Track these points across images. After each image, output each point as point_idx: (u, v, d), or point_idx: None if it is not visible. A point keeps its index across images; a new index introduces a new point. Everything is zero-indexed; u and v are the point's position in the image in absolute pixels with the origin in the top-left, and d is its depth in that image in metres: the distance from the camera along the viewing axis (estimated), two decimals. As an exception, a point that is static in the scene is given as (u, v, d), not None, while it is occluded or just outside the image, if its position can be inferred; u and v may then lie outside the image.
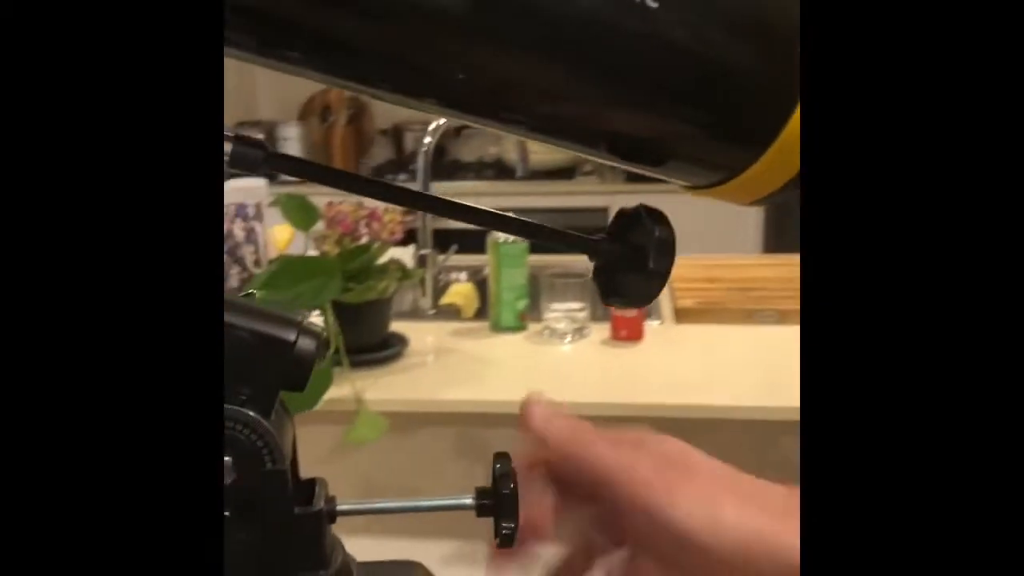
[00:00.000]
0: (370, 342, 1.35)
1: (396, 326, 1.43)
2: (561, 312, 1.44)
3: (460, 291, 1.64)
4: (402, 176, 3.00)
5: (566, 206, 2.90)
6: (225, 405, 0.43)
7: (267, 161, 0.40)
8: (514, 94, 0.39)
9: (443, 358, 1.40)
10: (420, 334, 1.46)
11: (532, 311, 1.50)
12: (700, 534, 0.39)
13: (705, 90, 0.43)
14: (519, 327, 1.49)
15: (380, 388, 1.27)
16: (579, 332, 1.45)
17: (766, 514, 0.39)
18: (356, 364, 1.29)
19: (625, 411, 1.24)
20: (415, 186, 1.59)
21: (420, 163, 1.53)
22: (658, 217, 0.47)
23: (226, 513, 0.43)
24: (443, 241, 1.68)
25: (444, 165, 3.19)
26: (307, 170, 0.42)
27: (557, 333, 1.45)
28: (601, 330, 1.46)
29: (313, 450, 1.43)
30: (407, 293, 1.63)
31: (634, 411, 1.23)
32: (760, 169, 0.45)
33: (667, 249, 0.46)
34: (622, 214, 0.48)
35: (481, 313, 1.59)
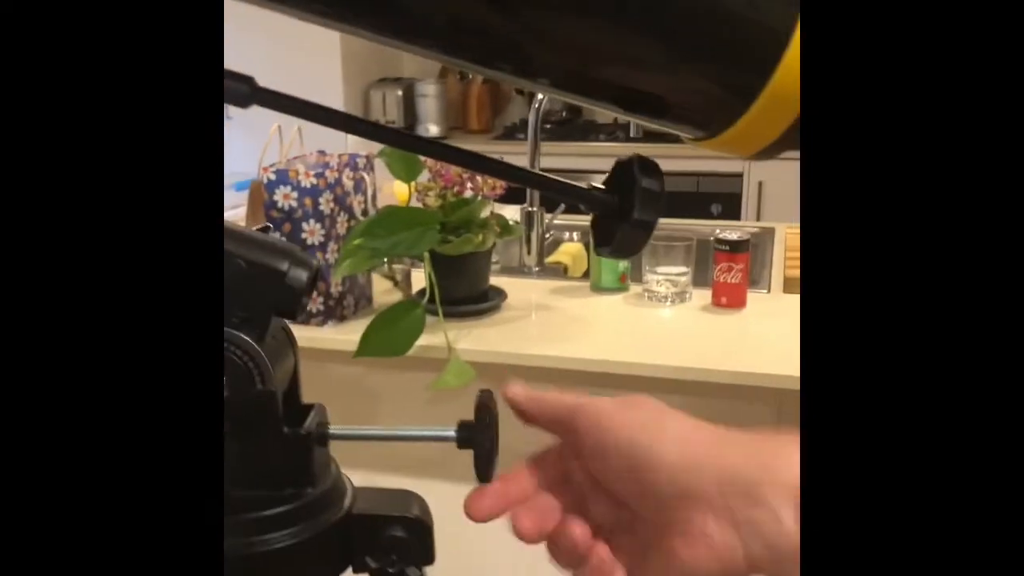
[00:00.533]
0: (467, 294, 1.37)
1: (498, 281, 1.45)
2: (662, 275, 1.43)
3: (568, 250, 1.65)
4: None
5: (692, 170, 2.82)
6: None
7: (254, 96, 0.42)
8: (542, 49, 0.40)
9: (540, 314, 1.41)
10: (521, 290, 1.48)
11: (634, 273, 1.48)
12: (641, 444, 0.42)
13: (703, 38, 0.42)
14: (620, 288, 1.48)
15: (473, 339, 1.30)
16: (680, 296, 1.43)
17: (707, 434, 0.42)
18: (452, 315, 1.32)
19: (720, 378, 1.21)
20: (526, 144, 1.60)
21: (531, 120, 1.54)
22: (649, 168, 0.46)
23: (220, 427, 0.47)
24: (553, 200, 1.69)
25: (579, 125, 3.17)
26: (295, 107, 0.44)
27: (657, 296, 1.43)
28: (703, 296, 1.43)
29: (405, 396, 1.49)
30: (513, 250, 1.65)
31: (728, 378, 1.20)
32: (755, 116, 0.43)
33: (652, 200, 0.45)
34: (618, 164, 0.48)
35: (588, 274, 1.58)
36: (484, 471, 0.47)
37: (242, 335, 0.46)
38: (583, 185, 0.48)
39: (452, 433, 0.48)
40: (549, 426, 0.47)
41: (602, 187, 0.48)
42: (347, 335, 1.27)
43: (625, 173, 0.46)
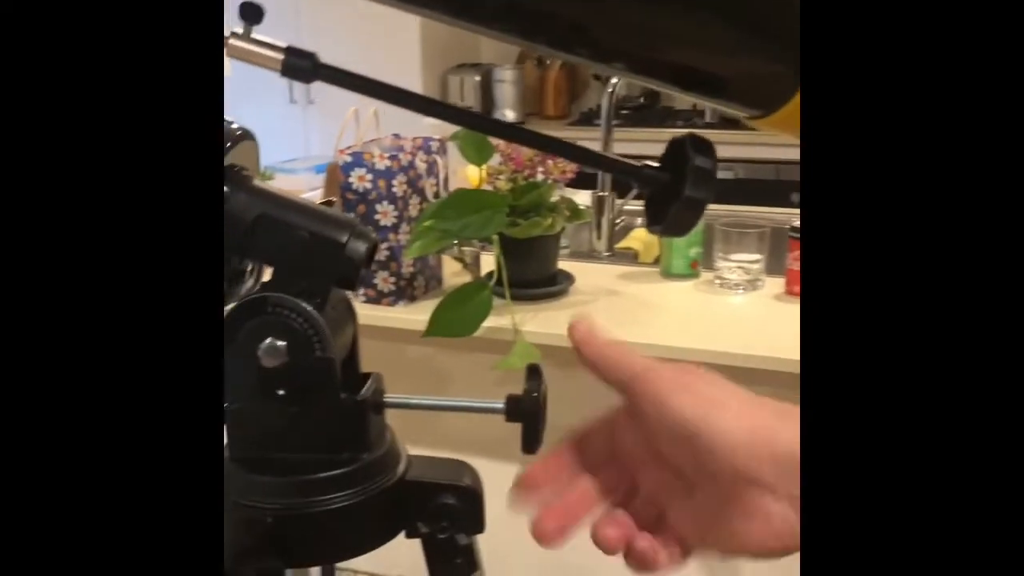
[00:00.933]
0: (535, 277, 1.38)
1: (567, 265, 1.45)
2: (734, 263, 1.41)
3: (639, 236, 1.64)
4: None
5: (771, 157, 2.76)
6: (281, 295, 0.48)
7: (316, 71, 0.44)
8: (613, 30, 0.41)
9: (608, 299, 1.41)
10: (589, 275, 1.48)
11: (705, 260, 1.47)
12: (701, 418, 0.41)
13: (764, 17, 0.42)
14: (690, 275, 1.46)
15: (539, 322, 1.30)
16: (752, 284, 1.41)
17: (766, 411, 0.41)
18: (519, 297, 1.33)
19: (791, 367, 1.20)
20: (600, 127, 1.59)
21: (604, 103, 1.54)
22: (702, 146, 0.46)
23: (279, 392, 0.49)
24: (627, 186, 1.68)
25: (656, 111, 3.14)
26: (357, 83, 0.46)
27: (729, 283, 1.42)
28: (776, 284, 1.41)
29: (473, 376, 1.50)
30: (583, 235, 1.65)
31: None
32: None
33: (704, 178, 0.45)
34: (672, 143, 0.48)
35: (659, 261, 1.57)
36: (530, 444, 0.48)
37: (303, 303, 0.48)
38: (635, 163, 0.48)
39: (500, 406, 0.49)
40: (607, 379, 0.46)
41: (655, 165, 0.48)
42: (417, 315, 1.29)
43: (678, 151, 0.47)
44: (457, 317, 1.25)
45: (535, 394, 0.48)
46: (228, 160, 0.48)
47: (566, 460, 0.47)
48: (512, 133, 0.47)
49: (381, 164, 1.29)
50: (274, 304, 0.48)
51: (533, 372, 0.49)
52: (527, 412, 0.48)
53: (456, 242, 1.37)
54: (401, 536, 0.53)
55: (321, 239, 0.48)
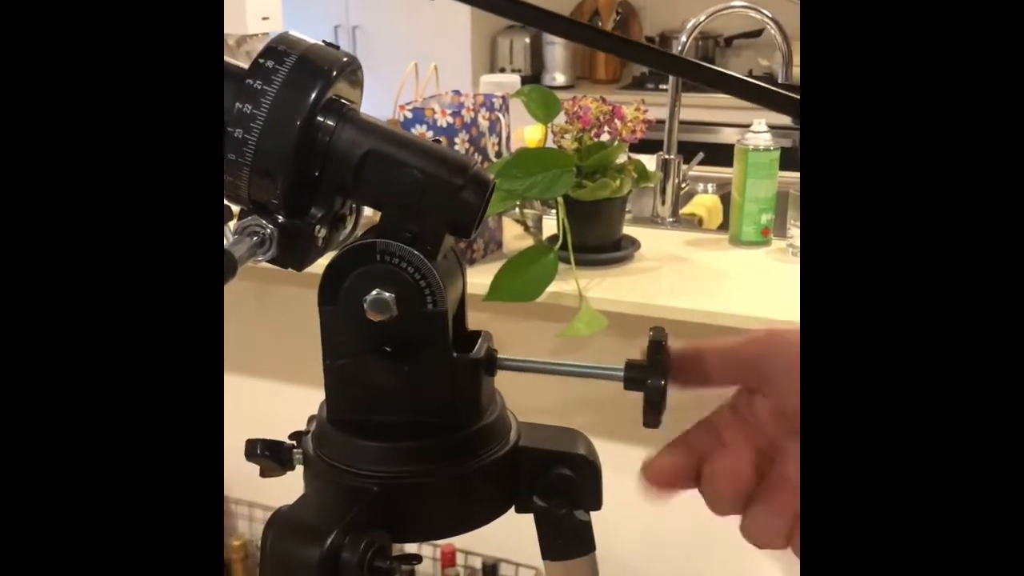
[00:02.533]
0: (601, 242, 1.34)
1: (631, 231, 1.41)
2: (808, 230, 1.35)
3: (703, 202, 1.59)
4: (664, 85, 2.92)
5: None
6: (390, 241, 0.43)
7: None
8: None
9: (675, 266, 1.36)
10: (655, 241, 1.43)
11: (777, 228, 1.41)
12: None
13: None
14: (761, 242, 1.41)
15: (605, 288, 1.26)
16: (826, 254, 1.35)
17: None
18: (584, 263, 1.29)
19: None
20: (654, 94, 1.53)
21: (672, 63, 1.48)
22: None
23: (386, 349, 0.44)
24: (690, 152, 1.62)
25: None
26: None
27: (802, 252, 1.36)
28: (852, 254, 1.35)
29: (532, 344, 1.46)
30: (647, 200, 1.60)
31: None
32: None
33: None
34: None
35: (724, 227, 1.52)
36: (652, 416, 0.43)
37: (414, 251, 0.43)
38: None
39: (620, 371, 0.44)
40: (732, 377, 0.43)
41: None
42: (477, 279, 1.25)
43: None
44: (520, 281, 1.20)
45: (660, 358, 0.43)
46: (333, 92, 0.43)
47: (695, 444, 0.43)
48: (681, 65, 0.42)
49: (443, 120, 1.24)
50: (382, 251, 0.43)
51: (656, 338, 0.44)
52: (651, 380, 0.43)
53: (518, 204, 1.32)
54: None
55: (436, 180, 0.43)
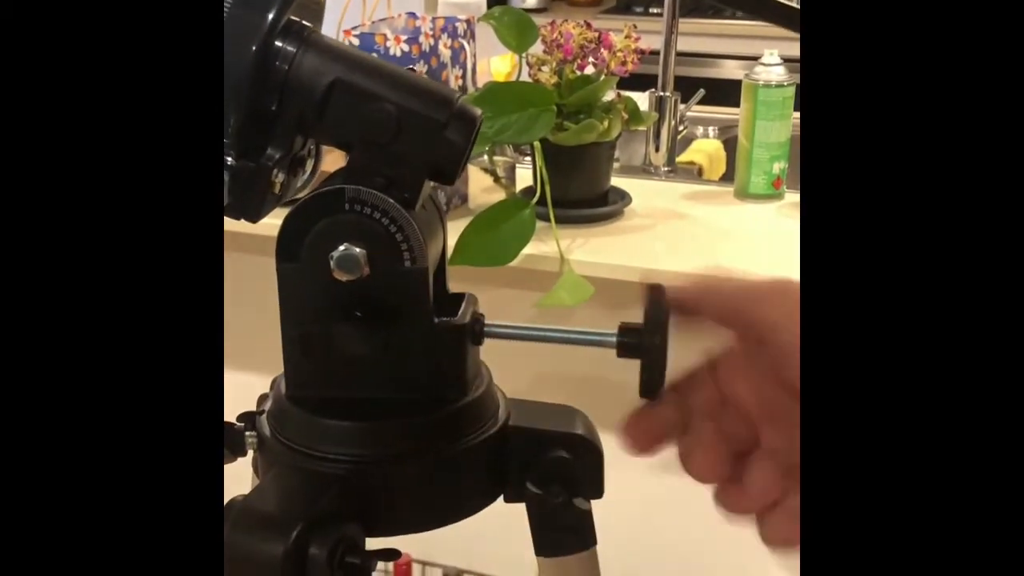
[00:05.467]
0: (585, 195, 1.35)
1: (619, 182, 1.42)
2: (827, 181, 1.38)
3: (703, 148, 1.61)
4: (656, 8, 2.93)
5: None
6: (360, 187, 0.45)
7: None
8: None
9: (671, 223, 1.38)
10: (647, 194, 1.45)
11: (790, 178, 1.44)
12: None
13: None
14: (772, 195, 1.43)
15: (590, 250, 1.27)
16: (848, 209, 1.38)
17: None
18: (565, 219, 1.30)
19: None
20: (647, 19, 1.55)
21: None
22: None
23: (356, 314, 0.46)
24: (688, 88, 1.64)
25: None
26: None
27: (819, 207, 1.39)
28: (877, 209, 1.38)
29: (506, 315, 1.48)
30: (638, 146, 1.61)
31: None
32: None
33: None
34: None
35: (728, 178, 1.54)
36: (651, 385, 0.44)
37: (389, 199, 0.45)
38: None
39: (613, 337, 0.46)
40: (721, 318, 0.45)
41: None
42: (439, 239, 1.26)
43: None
44: (491, 242, 1.21)
45: (659, 321, 0.44)
46: (292, 14, 0.44)
47: (669, 410, 0.45)
48: None
49: (396, 49, 1.25)
50: (352, 199, 0.45)
51: (655, 293, 0.45)
52: (648, 344, 0.44)
53: (487, 150, 1.33)
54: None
55: (414, 116, 0.45)
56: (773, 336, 0.43)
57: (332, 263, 0.45)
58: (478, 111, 0.46)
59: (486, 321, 0.49)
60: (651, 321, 0.44)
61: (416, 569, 1.66)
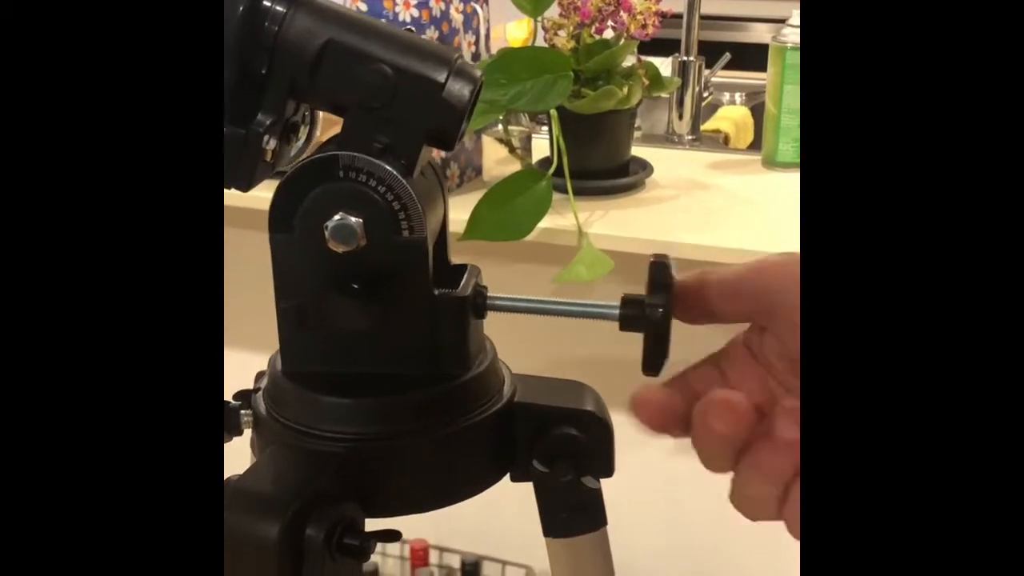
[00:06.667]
0: (604, 166, 1.34)
1: (640, 152, 1.42)
2: (859, 149, 1.37)
3: (730, 115, 1.60)
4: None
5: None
6: (356, 154, 0.44)
7: None
8: None
9: (696, 195, 1.38)
10: (670, 163, 1.44)
11: (820, 145, 1.43)
12: None
13: None
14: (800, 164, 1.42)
15: (609, 222, 1.27)
16: (881, 177, 1.37)
17: None
18: (583, 191, 1.30)
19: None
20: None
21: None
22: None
23: (353, 286, 0.46)
24: (713, 53, 1.62)
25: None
26: None
27: (851, 176, 1.38)
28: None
29: (522, 291, 1.48)
30: (661, 113, 1.61)
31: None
32: None
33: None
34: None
35: (756, 146, 1.54)
36: (654, 359, 0.44)
37: (385, 165, 0.44)
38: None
39: (616, 309, 0.45)
40: (739, 311, 0.45)
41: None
42: (452, 213, 1.25)
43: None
44: (506, 216, 1.21)
45: (663, 293, 0.44)
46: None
47: (695, 382, 0.45)
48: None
49: (405, 14, 1.25)
50: (346, 166, 0.45)
51: (659, 267, 0.45)
52: (651, 317, 0.44)
53: (502, 119, 1.32)
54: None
55: (411, 77, 0.44)
56: (779, 314, 0.43)
57: (327, 233, 0.45)
58: (479, 71, 0.46)
59: (488, 294, 0.49)
60: (654, 293, 0.44)
61: (434, 555, 1.67)
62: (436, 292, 0.46)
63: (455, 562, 1.65)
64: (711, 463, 0.42)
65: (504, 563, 1.63)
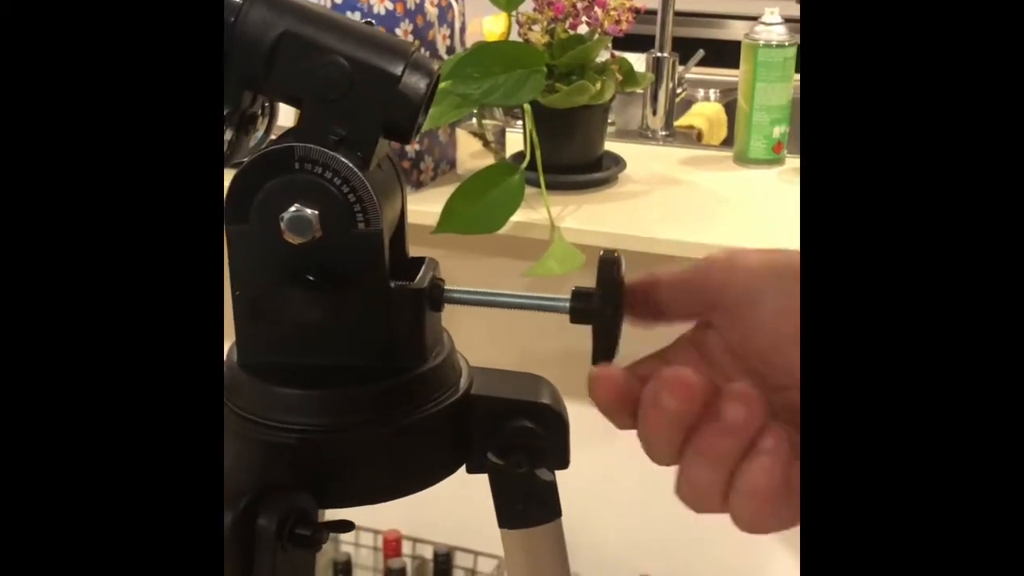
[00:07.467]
0: (577, 160, 1.35)
1: (614, 147, 1.42)
2: (830, 146, 1.37)
3: (703, 112, 1.60)
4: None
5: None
6: (311, 146, 0.44)
7: None
8: None
9: (668, 190, 1.38)
10: (643, 159, 1.45)
11: (791, 143, 1.43)
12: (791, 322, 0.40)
13: None
14: (772, 160, 1.43)
15: (581, 217, 1.27)
16: (851, 174, 1.38)
17: None
18: (556, 186, 1.30)
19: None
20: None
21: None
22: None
23: (309, 278, 0.46)
24: (687, 49, 1.63)
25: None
26: None
27: (821, 173, 1.38)
28: (882, 175, 1.38)
29: (493, 284, 1.48)
30: (634, 109, 1.61)
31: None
32: None
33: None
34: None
35: (729, 142, 1.54)
36: (605, 349, 0.44)
37: (341, 158, 0.44)
38: None
39: (566, 302, 0.46)
40: (686, 309, 0.46)
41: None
42: (425, 206, 1.26)
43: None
44: (478, 209, 1.21)
45: (613, 285, 0.44)
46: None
47: (646, 372, 0.45)
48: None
49: (380, 7, 1.24)
50: (302, 158, 0.44)
51: (608, 261, 0.45)
52: (600, 310, 0.44)
53: (476, 112, 1.32)
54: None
55: (367, 69, 0.44)
56: (724, 309, 0.44)
57: (283, 225, 0.44)
58: (435, 64, 0.46)
59: (445, 287, 0.49)
60: (604, 287, 0.44)
61: (406, 545, 1.67)
62: (392, 284, 0.46)
63: (428, 553, 1.66)
64: (658, 451, 0.42)
65: (476, 554, 1.64)
